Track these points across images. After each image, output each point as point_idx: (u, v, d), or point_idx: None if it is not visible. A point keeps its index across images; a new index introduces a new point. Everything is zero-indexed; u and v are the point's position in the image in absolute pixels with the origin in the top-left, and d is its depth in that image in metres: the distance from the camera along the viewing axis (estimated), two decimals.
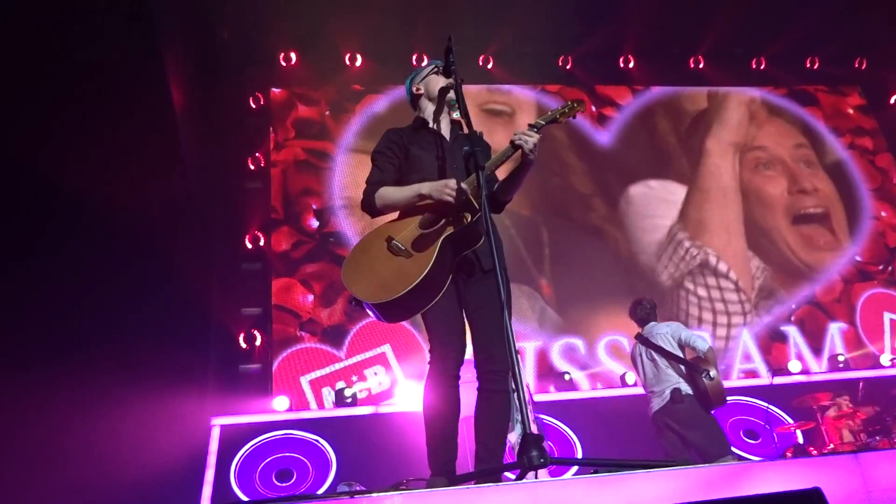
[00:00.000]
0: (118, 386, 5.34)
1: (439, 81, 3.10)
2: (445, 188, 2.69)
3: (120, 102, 5.80)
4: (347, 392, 7.03)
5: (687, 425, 5.02)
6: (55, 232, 5.43)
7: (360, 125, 9.20)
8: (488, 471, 2.40)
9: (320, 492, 6.01)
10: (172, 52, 6.75)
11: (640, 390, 7.28)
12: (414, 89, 3.21)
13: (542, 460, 1.93)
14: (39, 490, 4.77)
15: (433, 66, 3.18)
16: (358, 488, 4.84)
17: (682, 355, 5.27)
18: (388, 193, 2.90)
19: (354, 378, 7.58)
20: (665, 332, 5.38)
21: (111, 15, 5.54)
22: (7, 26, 5.00)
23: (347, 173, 8.87)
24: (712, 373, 5.04)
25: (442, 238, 2.69)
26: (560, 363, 8.01)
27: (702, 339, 5.40)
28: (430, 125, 3.11)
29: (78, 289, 5.47)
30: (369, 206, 2.95)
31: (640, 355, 5.50)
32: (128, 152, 5.73)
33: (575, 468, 5.44)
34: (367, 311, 2.85)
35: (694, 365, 5.15)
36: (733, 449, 6.59)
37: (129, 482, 5.18)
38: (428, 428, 2.71)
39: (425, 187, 2.78)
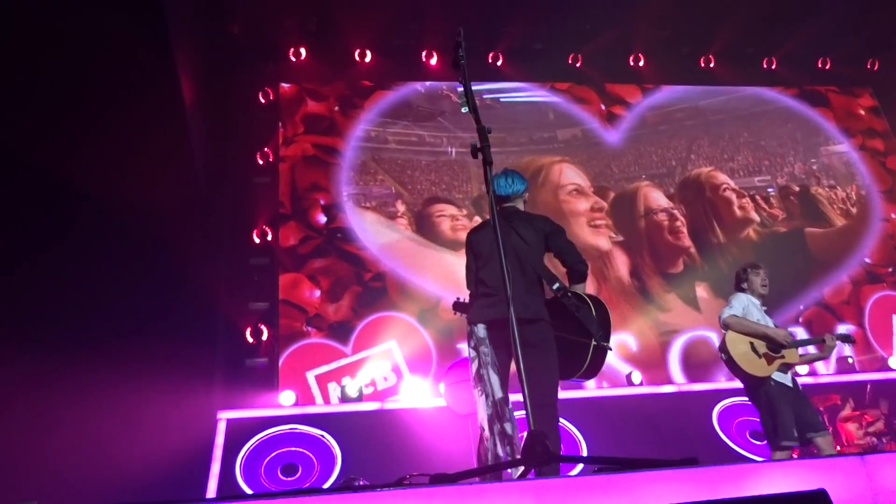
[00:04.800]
0: (125, 379, 5.37)
1: None
2: None
3: (130, 98, 5.83)
4: (353, 389, 7.05)
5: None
6: (65, 228, 5.46)
7: (370, 121, 9.23)
8: (492, 467, 2.40)
9: (325, 486, 6.02)
10: (183, 48, 6.76)
11: (645, 389, 7.30)
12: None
13: (545, 457, 1.93)
14: (48, 481, 4.80)
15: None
16: (361, 483, 4.84)
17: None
18: None
19: (360, 373, 7.60)
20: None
21: (122, 10, 5.56)
22: (17, 23, 5.02)
23: (355, 169, 8.89)
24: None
25: None
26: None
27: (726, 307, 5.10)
28: None
29: (87, 283, 5.50)
30: None
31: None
32: (137, 147, 5.76)
33: (580, 466, 5.43)
34: None
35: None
36: (739, 450, 6.60)
37: (135, 474, 5.20)
38: None
39: None
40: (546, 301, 3.66)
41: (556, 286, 3.69)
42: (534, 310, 3.49)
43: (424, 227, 8.67)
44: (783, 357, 4.75)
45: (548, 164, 9.41)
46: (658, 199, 9.46)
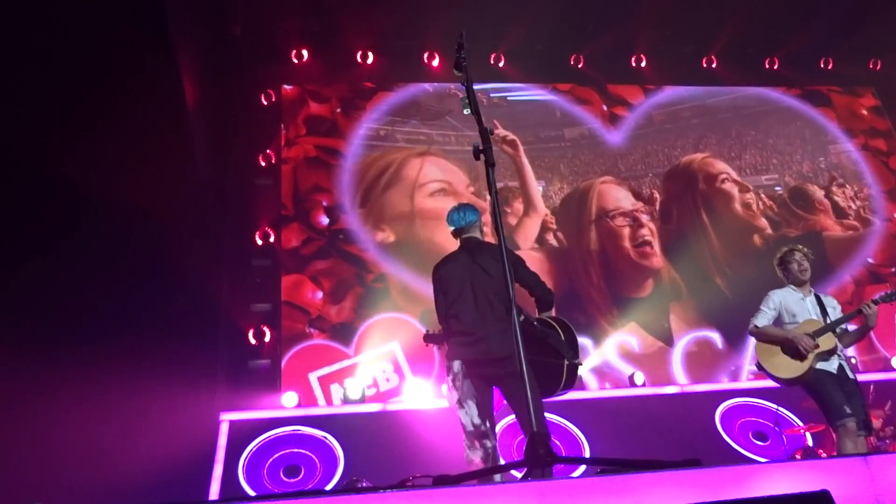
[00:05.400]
0: (128, 381, 5.38)
1: None
2: None
3: (133, 100, 5.84)
4: (355, 391, 7.06)
5: None
6: (67, 230, 5.46)
7: (372, 122, 9.24)
8: (495, 469, 2.40)
9: (328, 488, 6.02)
10: (185, 50, 6.77)
11: (648, 390, 7.29)
12: None
13: (548, 459, 1.93)
14: (51, 484, 4.81)
15: None
16: (364, 485, 4.84)
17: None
18: None
19: (362, 375, 7.60)
20: None
21: (124, 14, 5.57)
22: (19, 25, 5.03)
23: (358, 171, 8.90)
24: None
25: None
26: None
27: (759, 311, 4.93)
28: None
29: (90, 285, 5.50)
30: None
31: None
32: (139, 149, 5.77)
33: (583, 468, 5.43)
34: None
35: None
36: (741, 450, 6.58)
37: (138, 477, 5.20)
38: None
39: None
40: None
41: (521, 318, 3.74)
42: (507, 347, 3.67)
43: (433, 225, 8.65)
44: (818, 346, 4.56)
45: (402, 158, 9.09)
46: (619, 199, 9.27)
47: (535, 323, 4.04)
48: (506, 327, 3.75)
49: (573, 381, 3.96)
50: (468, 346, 3.90)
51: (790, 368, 4.61)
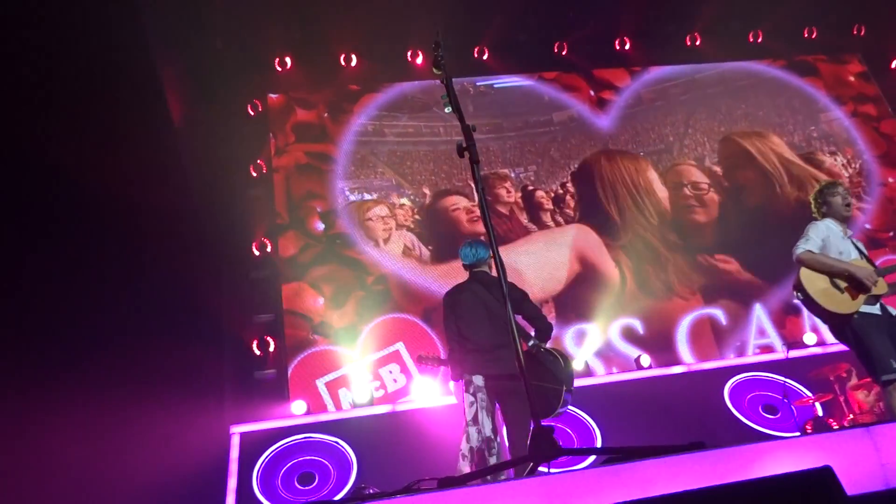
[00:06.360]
0: (136, 400, 5.38)
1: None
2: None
3: (119, 119, 5.83)
4: (363, 394, 7.07)
5: None
6: (66, 253, 5.46)
7: (366, 115, 9.24)
8: (500, 465, 2.41)
9: (342, 492, 6.04)
10: (168, 67, 6.77)
11: (656, 372, 7.29)
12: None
13: (552, 452, 1.94)
14: (62, 501, 4.82)
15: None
16: (371, 491, 4.86)
17: None
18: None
19: (370, 377, 7.62)
20: None
21: (105, 34, 5.56)
22: (4, 47, 5.02)
23: (355, 164, 8.90)
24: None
25: None
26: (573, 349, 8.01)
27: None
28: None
29: (91, 306, 5.50)
30: None
31: None
32: (129, 169, 5.75)
33: (591, 458, 5.44)
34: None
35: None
36: (752, 425, 6.59)
37: (152, 494, 5.22)
38: None
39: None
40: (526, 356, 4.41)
41: (531, 343, 4.45)
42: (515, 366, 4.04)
43: (439, 221, 8.68)
44: (871, 289, 4.16)
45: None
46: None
47: (542, 349, 4.46)
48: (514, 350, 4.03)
49: (564, 409, 4.31)
50: (487, 363, 4.29)
51: (836, 301, 4.19)
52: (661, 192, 9.30)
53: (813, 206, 4.64)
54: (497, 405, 4.33)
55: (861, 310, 4.17)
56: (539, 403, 4.06)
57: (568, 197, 9.09)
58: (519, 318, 4.48)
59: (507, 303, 2.56)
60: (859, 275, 4.16)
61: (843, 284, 4.23)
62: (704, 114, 9.98)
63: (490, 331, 4.36)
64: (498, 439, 4.12)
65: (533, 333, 4.59)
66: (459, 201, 8.84)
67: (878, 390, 6.12)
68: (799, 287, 4.34)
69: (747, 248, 8.76)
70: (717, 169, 9.56)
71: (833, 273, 4.24)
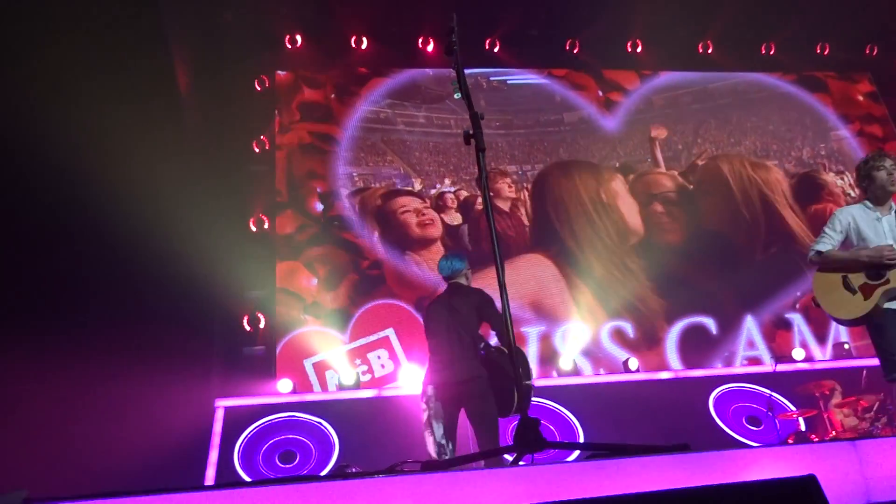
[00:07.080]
0: (124, 368, 5.38)
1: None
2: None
3: (126, 88, 5.81)
4: (350, 377, 7.07)
5: None
6: (61, 219, 5.44)
7: (371, 104, 9.19)
8: (486, 453, 2.41)
9: (323, 473, 6.05)
10: (177, 37, 6.72)
11: (642, 376, 7.31)
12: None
13: (537, 443, 1.94)
14: (46, 470, 4.82)
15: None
16: (353, 470, 4.87)
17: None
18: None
19: (357, 361, 7.62)
20: None
21: (116, 4, 5.53)
22: (12, 17, 4.99)
23: (365, 150, 8.86)
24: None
25: None
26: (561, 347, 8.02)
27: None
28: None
29: (84, 274, 5.49)
30: None
31: None
32: (132, 137, 5.73)
33: (576, 453, 5.46)
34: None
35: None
36: (735, 435, 6.62)
37: (133, 463, 5.22)
38: None
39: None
40: (482, 360, 4.51)
41: (481, 346, 4.58)
42: (470, 371, 4.38)
43: (390, 224, 8.57)
44: (887, 282, 3.79)
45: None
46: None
47: (491, 349, 4.60)
48: (470, 355, 4.43)
49: (528, 404, 4.28)
50: (439, 372, 4.47)
51: (849, 307, 3.89)
52: (628, 205, 9.15)
53: (855, 176, 4.26)
54: (462, 410, 4.46)
55: (887, 305, 3.85)
56: (500, 403, 4.31)
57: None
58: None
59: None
60: (872, 259, 3.84)
61: (857, 283, 3.91)
62: (715, 124, 9.97)
63: (444, 343, 4.51)
64: (450, 445, 4.34)
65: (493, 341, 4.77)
66: (410, 203, 8.72)
67: (864, 407, 6.16)
68: (814, 297, 4.11)
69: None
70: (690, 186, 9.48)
71: (846, 268, 3.94)
